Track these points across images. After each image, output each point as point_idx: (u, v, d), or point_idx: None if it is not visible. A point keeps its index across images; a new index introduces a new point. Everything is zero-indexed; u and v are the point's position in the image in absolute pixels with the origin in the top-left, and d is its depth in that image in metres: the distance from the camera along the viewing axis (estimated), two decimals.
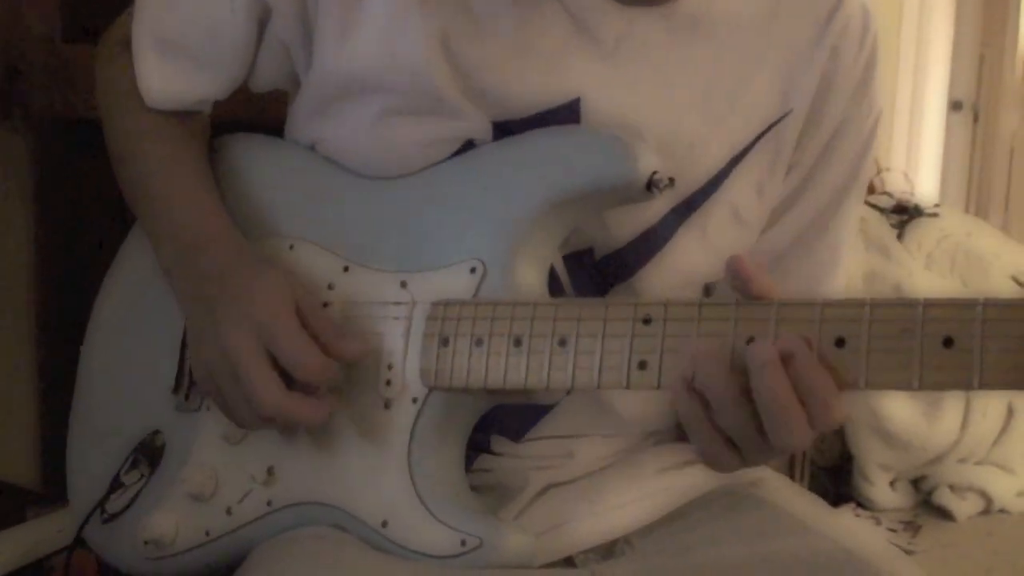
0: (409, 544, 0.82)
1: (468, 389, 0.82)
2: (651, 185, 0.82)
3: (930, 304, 0.66)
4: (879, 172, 3.08)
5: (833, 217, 0.98)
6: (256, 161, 0.99)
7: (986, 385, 0.63)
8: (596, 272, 0.91)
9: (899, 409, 2.48)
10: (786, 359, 0.68)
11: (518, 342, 0.79)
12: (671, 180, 0.82)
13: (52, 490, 1.44)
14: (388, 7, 0.89)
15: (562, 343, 0.77)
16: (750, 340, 0.70)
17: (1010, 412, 2.56)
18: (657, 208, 0.90)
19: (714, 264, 0.90)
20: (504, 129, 0.89)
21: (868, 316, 0.67)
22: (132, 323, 1.02)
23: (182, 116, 1.00)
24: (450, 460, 0.86)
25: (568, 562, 0.91)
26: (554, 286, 0.89)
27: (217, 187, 0.97)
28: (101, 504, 0.95)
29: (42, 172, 1.51)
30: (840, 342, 0.68)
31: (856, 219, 1.01)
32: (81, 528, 0.97)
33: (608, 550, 0.92)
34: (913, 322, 0.66)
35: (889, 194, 2.95)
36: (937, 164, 3.63)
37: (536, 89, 0.88)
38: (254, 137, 1.02)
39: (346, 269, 0.89)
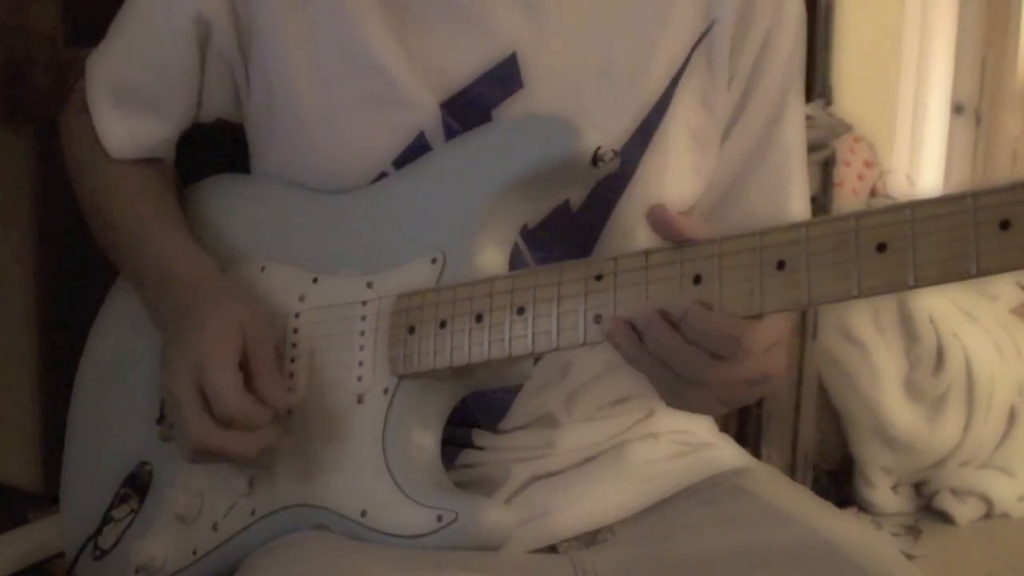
0: (388, 529, 0.84)
1: (436, 371, 0.84)
2: (596, 160, 0.84)
3: (862, 215, 0.68)
4: (882, 175, 3.07)
5: (778, 124, 1.00)
6: (224, 199, 1.04)
7: (921, 281, 0.66)
8: (575, 226, 0.93)
9: (901, 413, 2.48)
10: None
11: (479, 318, 0.82)
12: (615, 153, 0.84)
13: (53, 493, 1.43)
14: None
15: (520, 312, 0.80)
16: (697, 279, 0.73)
17: (1012, 416, 2.56)
18: (617, 140, 0.92)
19: (682, 187, 0.95)
20: (452, 110, 0.91)
21: (805, 236, 0.70)
22: (121, 359, 1.05)
23: (146, 164, 1.04)
24: (425, 446, 0.87)
25: (551, 550, 0.92)
26: (519, 265, 0.91)
27: (191, 229, 1.01)
28: (92, 540, 0.97)
29: (44, 174, 1.51)
30: (781, 265, 0.70)
31: (802, 125, 1.03)
32: (73, 566, 0.99)
33: (591, 538, 0.93)
34: (847, 234, 0.68)
35: (891, 197, 2.95)
36: (939, 167, 3.63)
37: (471, 52, 0.91)
38: (220, 178, 1.06)
39: (315, 280, 0.93)
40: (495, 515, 0.83)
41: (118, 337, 1.06)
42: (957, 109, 3.69)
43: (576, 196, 0.93)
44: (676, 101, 0.94)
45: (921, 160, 3.52)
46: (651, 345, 0.74)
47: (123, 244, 1.00)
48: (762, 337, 0.75)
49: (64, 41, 1.38)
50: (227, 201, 1.03)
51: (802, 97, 1.04)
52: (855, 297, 0.68)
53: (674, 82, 0.95)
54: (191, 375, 0.84)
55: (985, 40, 3.74)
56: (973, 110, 3.75)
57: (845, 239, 0.68)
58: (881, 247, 0.67)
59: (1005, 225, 0.63)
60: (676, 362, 0.74)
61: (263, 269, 0.96)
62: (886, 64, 3.32)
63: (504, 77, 0.91)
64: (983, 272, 0.64)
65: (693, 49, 0.95)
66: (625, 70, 0.93)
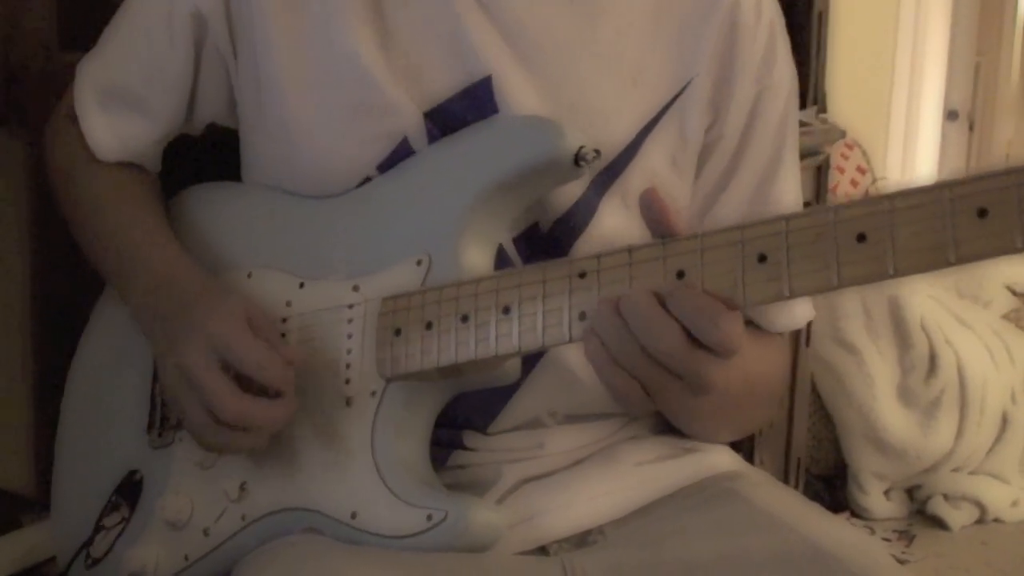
0: (379, 530, 0.84)
1: (423, 372, 0.85)
2: (579, 159, 0.85)
3: (842, 207, 0.69)
4: (875, 181, 3.08)
5: (770, 189, 1.00)
6: (208, 207, 1.04)
7: (901, 271, 0.66)
8: (543, 246, 0.94)
9: (894, 418, 2.48)
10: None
11: (465, 318, 0.82)
12: (597, 152, 0.85)
13: (47, 497, 1.44)
14: (326, 5, 0.93)
15: (506, 311, 0.81)
16: (680, 274, 0.73)
17: (1005, 422, 2.57)
18: (579, 181, 0.92)
19: (641, 231, 0.94)
20: (435, 119, 0.92)
21: (785, 228, 0.70)
22: (109, 368, 1.05)
23: (134, 173, 1.05)
24: (414, 447, 0.88)
25: (542, 551, 0.92)
26: (505, 266, 0.92)
27: (177, 237, 1.01)
28: (85, 548, 0.98)
29: (39, 179, 1.51)
30: (762, 258, 0.71)
31: (796, 188, 1.03)
32: (65, 575, 1.00)
33: (581, 540, 0.93)
34: (827, 226, 0.69)
35: None
36: (933, 173, 3.64)
37: (449, 69, 0.92)
38: (206, 186, 1.06)
39: (301, 285, 0.93)
40: (485, 515, 0.84)
41: (106, 345, 1.06)
42: (950, 115, 3.71)
43: (544, 219, 0.94)
44: (644, 152, 0.95)
45: (914, 166, 3.53)
46: (633, 322, 0.73)
47: (113, 256, 1.00)
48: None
49: (58, 47, 1.39)
50: (212, 209, 1.04)
51: (796, 160, 1.03)
52: (835, 287, 0.69)
53: (644, 133, 0.95)
54: (209, 353, 0.84)
55: (978, 46, 3.75)
56: (966, 116, 3.76)
57: (825, 230, 0.69)
58: (861, 237, 0.68)
59: (983, 213, 0.64)
60: (655, 340, 0.72)
61: (249, 275, 0.96)
62: (880, 70, 3.33)
63: (479, 98, 0.91)
64: (962, 260, 0.65)
65: (668, 106, 0.95)
66: (595, 112, 0.93)
